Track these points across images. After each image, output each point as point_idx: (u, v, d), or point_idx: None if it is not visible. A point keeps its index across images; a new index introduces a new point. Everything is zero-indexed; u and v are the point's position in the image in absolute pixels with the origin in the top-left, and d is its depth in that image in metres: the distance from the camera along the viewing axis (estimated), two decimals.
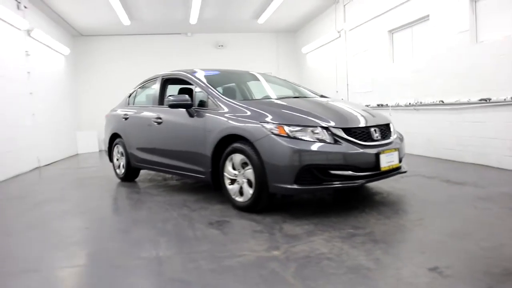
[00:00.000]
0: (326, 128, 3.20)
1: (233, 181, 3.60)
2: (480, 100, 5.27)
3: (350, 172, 3.15)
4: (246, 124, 3.38)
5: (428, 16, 6.37)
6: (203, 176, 3.94)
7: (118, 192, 4.85)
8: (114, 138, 5.69)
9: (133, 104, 5.54)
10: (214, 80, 4.37)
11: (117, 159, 5.65)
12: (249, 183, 3.41)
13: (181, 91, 4.78)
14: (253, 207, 3.40)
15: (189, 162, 4.10)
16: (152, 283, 2.12)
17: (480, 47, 5.37)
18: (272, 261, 2.32)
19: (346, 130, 3.25)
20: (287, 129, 3.16)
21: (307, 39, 11.60)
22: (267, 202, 3.36)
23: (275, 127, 3.19)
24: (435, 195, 3.85)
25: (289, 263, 2.28)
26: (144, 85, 5.48)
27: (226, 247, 2.60)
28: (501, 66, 4.99)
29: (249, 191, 3.40)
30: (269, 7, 9.38)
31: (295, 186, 3.08)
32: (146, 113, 4.91)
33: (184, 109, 4.09)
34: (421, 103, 6.53)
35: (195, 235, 2.91)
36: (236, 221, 3.21)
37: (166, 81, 4.88)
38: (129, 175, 5.47)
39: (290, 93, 4.55)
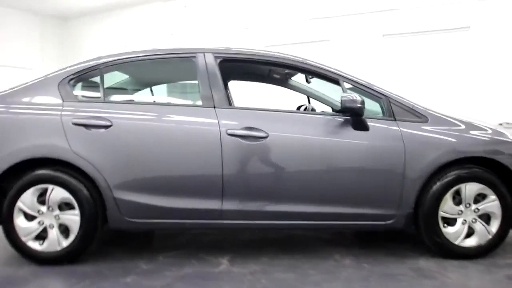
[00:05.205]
0: None
1: (446, 221, 2.61)
2: None
3: None
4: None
5: None
6: (387, 222, 2.57)
7: None
8: (15, 171, 2.52)
9: (107, 99, 2.72)
10: None
11: (32, 218, 2.52)
12: (485, 219, 2.61)
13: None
14: (488, 250, 2.63)
15: (353, 204, 2.55)
16: None
17: None
18: None
19: None
20: None
21: (92, 31, 9.20)
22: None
23: None
24: None
25: None
26: (138, 64, 2.77)
27: None
28: None
29: (489, 230, 2.60)
30: None
31: None
32: (188, 120, 2.58)
33: (343, 118, 2.57)
34: None
35: None
36: None
37: (225, 65, 2.73)
38: (83, 248, 2.58)
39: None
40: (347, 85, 2.64)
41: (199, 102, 2.64)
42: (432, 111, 2.70)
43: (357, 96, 2.45)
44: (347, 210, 2.56)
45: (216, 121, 2.52)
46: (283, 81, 3.47)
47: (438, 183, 2.55)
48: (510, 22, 5.35)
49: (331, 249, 2.84)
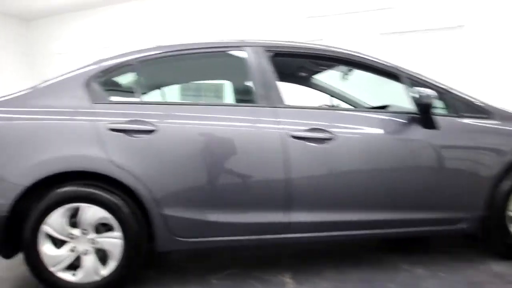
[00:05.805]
0: None
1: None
2: None
3: None
4: None
5: None
6: (459, 226, 2.40)
7: None
8: (41, 186, 2.09)
9: (145, 99, 2.36)
10: None
11: (62, 244, 2.10)
12: None
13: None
14: None
15: (426, 209, 2.36)
16: None
17: None
18: None
19: None
20: None
21: (61, 33, 8.48)
22: None
23: None
24: None
25: None
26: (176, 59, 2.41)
27: None
28: None
29: None
30: None
31: None
32: (244, 122, 2.25)
33: (408, 116, 2.38)
34: None
35: None
36: None
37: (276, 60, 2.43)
38: (126, 276, 2.19)
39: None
40: (409, 82, 2.46)
41: (253, 101, 2.34)
42: (493, 106, 2.58)
43: (430, 91, 2.26)
44: (421, 216, 2.37)
45: (277, 122, 2.24)
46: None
47: (508, 182, 2.43)
48: (503, 20, 5.48)
49: (392, 257, 2.63)
